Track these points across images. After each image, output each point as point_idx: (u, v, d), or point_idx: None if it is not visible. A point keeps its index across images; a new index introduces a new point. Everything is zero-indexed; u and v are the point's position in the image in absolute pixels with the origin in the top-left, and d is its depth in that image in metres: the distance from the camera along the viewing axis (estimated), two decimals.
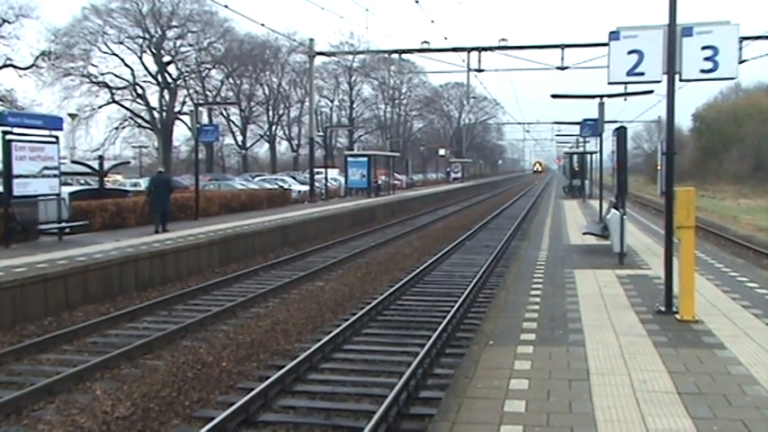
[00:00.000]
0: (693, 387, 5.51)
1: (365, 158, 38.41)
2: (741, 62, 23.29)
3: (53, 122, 15.66)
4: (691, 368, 6.01)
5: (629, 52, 8.07)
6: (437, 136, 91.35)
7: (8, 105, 39.39)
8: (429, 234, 23.44)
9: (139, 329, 10.17)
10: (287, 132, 70.51)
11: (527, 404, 5.19)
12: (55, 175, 15.00)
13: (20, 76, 43.97)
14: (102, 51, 52.95)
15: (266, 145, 70.33)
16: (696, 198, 8.08)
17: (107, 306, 11.57)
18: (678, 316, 7.84)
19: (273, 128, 67.86)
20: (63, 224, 15.27)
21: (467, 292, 11.84)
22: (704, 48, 7.91)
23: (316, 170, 34.66)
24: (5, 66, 42.24)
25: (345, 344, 9.18)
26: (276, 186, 34.91)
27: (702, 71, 7.97)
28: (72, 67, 50.98)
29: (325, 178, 36.24)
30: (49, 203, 14.80)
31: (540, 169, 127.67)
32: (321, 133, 50.39)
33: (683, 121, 75.46)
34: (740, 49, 23.03)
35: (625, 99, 25.99)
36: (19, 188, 14.00)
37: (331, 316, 10.87)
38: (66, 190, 18.01)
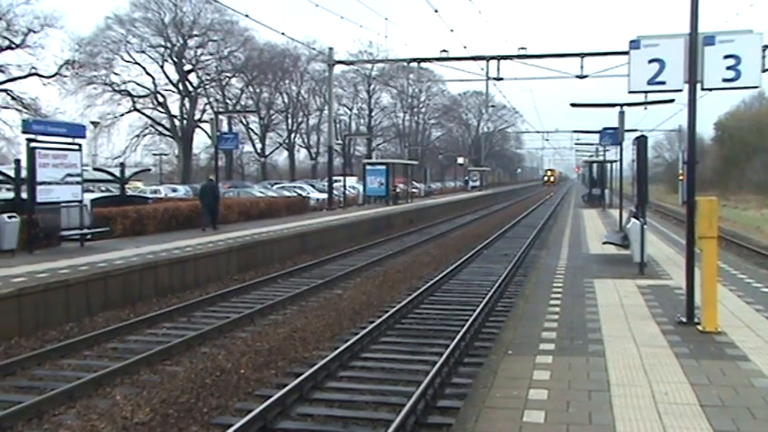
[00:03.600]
0: (716, 399, 5.43)
1: (383, 167, 38.43)
2: (764, 71, 23.01)
3: (76, 130, 15.89)
4: (713, 380, 5.93)
5: (650, 61, 8.03)
6: (455, 144, 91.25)
7: (32, 113, 40.02)
8: (447, 242, 23.38)
9: (159, 335, 10.24)
10: (306, 140, 70.91)
11: (546, 415, 5.14)
12: (77, 182, 15.20)
13: (44, 85, 44.65)
14: (124, 60, 53.95)
15: (285, 153, 70.85)
16: (718, 208, 7.98)
17: (127, 312, 11.67)
18: (700, 327, 7.74)
19: (292, 136, 68.28)
20: (85, 230, 15.44)
21: (485, 300, 11.78)
22: (726, 57, 7.85)
23: (334, 178, 34.77)
24: (30, 74, 42.91)
25: (363, 352, 9.17)
26: (295, 194, 35.11)
27: (725, 80, 7.91)
28: (95, 76, 51.91)
29: (344, 186, 36.34)
30: (71, 210, 14.99)
31: (552, 179, 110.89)
32: (340, 141, 50.45)
33: (705, 130, 74.62)
34: (763, 57, 22.78)
35: (645, 108, 25.74)
36: (42, 195, 14.20)
37: (349, 324, 10.87)
38: (88, 197, 18.24)
